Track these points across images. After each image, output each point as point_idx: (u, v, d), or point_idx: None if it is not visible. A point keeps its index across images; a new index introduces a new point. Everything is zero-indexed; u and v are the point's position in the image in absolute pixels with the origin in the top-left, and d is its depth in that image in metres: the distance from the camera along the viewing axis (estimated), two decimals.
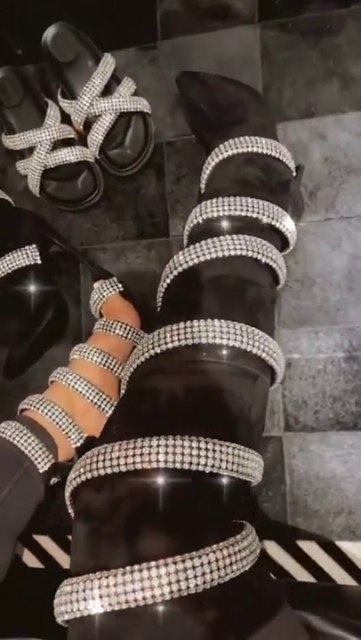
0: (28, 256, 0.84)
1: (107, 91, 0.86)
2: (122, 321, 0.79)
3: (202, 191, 0.77)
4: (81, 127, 0.88)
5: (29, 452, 0.66)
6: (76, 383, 0.73)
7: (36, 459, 0.66)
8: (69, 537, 0.60)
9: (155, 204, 0.89)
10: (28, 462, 0.65)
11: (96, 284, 0.84)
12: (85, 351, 0.77)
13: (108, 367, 0.76)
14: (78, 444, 0.72)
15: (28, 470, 0.65)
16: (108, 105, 0.84)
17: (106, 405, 0.74)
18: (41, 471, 0.66)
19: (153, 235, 0.89)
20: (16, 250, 0.84)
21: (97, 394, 0.74)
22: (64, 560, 0.81)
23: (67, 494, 0.52)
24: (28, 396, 0.74)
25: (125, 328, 0.79)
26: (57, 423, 0.70)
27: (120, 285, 0.83)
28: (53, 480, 0.70)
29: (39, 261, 0.85)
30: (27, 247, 0.84)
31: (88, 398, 0.74)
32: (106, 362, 0.76)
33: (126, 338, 0.79)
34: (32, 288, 0.83)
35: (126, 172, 0.88)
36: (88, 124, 0.87)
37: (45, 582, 0.56)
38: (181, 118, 0.89)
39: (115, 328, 0.79)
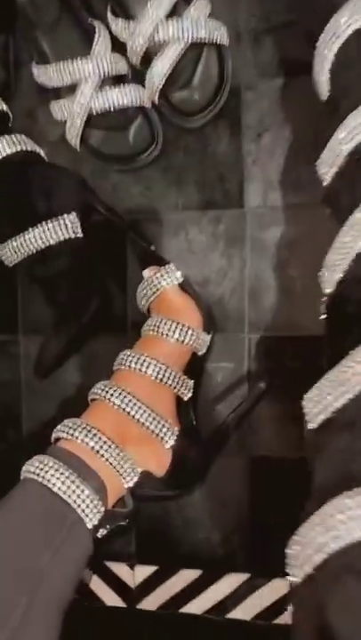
0: (66, 227, 0.65)
1: (174, 12, 0.65)
2: (180, 321, 0.62)
3: None
4: (138, 60, 0.67)
5: (78, 505, 0.49)
6: (128, 405, 0.57)
7: (83, 511, 0.49)
8: None
9: (226, 165, 0.70)
10: (73, 516, 0.49)
11: (147, 273, 0.65)
12: (137, 361, 0.59)
13: (164, 382, 0.59)
14: (131, 483, 0.55)
15: (74, 527, 0.49)
16: (178, 30, 0.64)
17: (165, 434, 0.58)
18: (89, 526, 0.50)
19: (222, 204, 0.70)
20: (51, 219, 0.65)
21: (155, 420, 0.58)
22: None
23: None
24: (65, 421, 0.57)
25: (185, 331, 0.62)
26: (107, 459, 0.53)
27: (179, 275, 0.64)
28: (102, 532, 0.53)
29: (80, 234, 0.66)
30: (65, 216, 0.66)
31: (144, 425, 0.57)
32: (163, 376, 0.59)
33: (184, 343, 0.61)
34: (71, 269, 0.65)
35: (192, 122, 0.68)
36: (147, 57, 0.66)
37: None
38: (267, 53, 0.68)
39: (172, 331, 0.61)
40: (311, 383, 0.50)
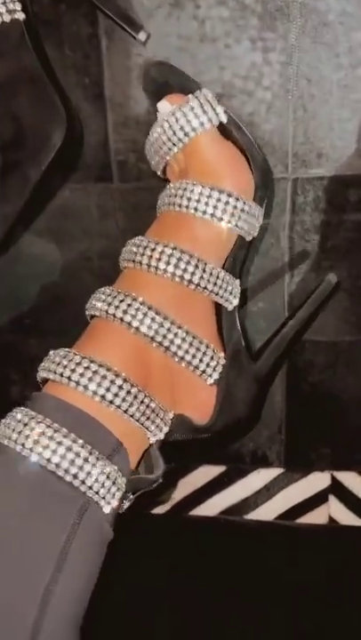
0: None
1: None
2: (219, 187, 0.39)
3: None
4: None
5: (88, 485, 0.33)
6: (150, 327, 0.37)
7: (97, 492, 0.33)
8: None
9: None
10: (81, 501, 0.33)
11: (165, 105, 0.41)
12: (154, 254, 0.38)
13: (197, 284, 0.39)
14: (160, 436, 0.38)
15: (85, 515, 0.33)
16: None
17: (207, 365, 0.40)
18: (106, 510, 0.34)
19: None
20: None
21: (192, 346, 0.39)
22: None
23: None
24: (53, 352, 0.37)
25: (227, 202, 0.39)
26: (125, 410, 0.35)
27: (221, 110, 0.40)
28: (124, 505, 0.37)
29: (22, 15, 0.39)
30: None
31: (176, 354, 0.38)
32: (194, 274, 0.39)
33: (226, 222, 0.40)
34: (13, 83, 0.40)
35: None
36: None
37: None
38: None
39: (205, 203, 0.39)
40: None
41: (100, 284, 0.50)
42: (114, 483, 0.33)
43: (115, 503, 0.33)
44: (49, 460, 0.32)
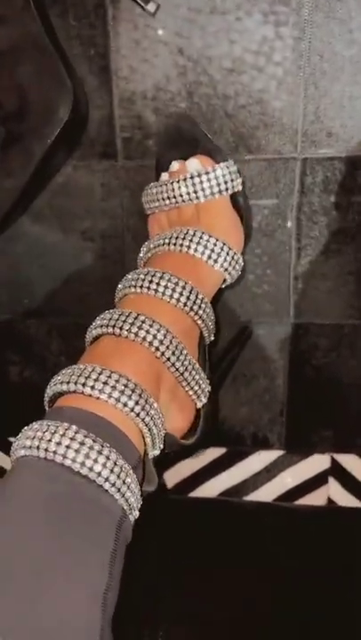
0: None
1: None
2: (226, 242, 0.44)
3: None
4: None
5: (123, 494, 0.31)
6: (168, 348, 0.37)
7: (128, 501, 0.32)
8: None
9: None
10: (121, 509, 0.32)
11: (195, 164, 0.44)
12: (165, 282, 0.39)
13: (197, 314, 0.41)
14: (158, 451, 0.37)
15: (122, 526, 0.31)
16: None
17: (202, 390, 0.41)
18: (132, 518, 0.33)
19: None
20: None
21: (195, 371, 0.40)
22: None
23: None
24: (71, 368, 0.35)
25: (231, 255, 0.44)
26: (146, 424, 0.34)
27: (240, 182, 0.44)
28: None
29: None
30: None
31: (182, 376, 0.39)
32: (198, 306, 0.40)
33: (224, 270, 0.44)
34: (17, 55, 0.38)
35: None
36: None
37: None
38: None
39: (214, 252, 0.43)
40: None
41: (102, 265, 0.49)
42: (141, 494, 0.33)
43: (137, 513, 0.33)
44: (91, 469, 0.30)
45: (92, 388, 0.33)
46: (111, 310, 0.38)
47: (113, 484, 0.30)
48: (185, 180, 0.43)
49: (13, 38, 0.38)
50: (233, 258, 0.43)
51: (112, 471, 0.30)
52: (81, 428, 0.31)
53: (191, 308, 0.40)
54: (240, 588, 0.49)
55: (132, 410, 0.33)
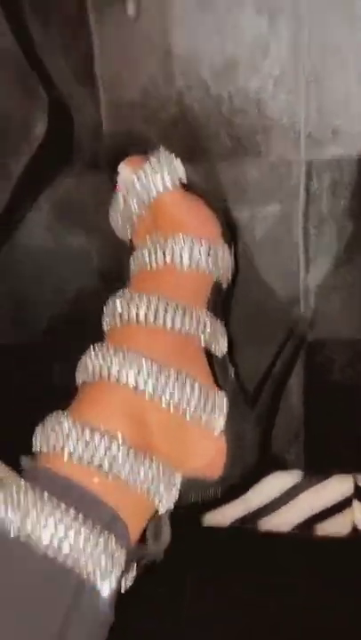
0: None
1: None
2: (189, 234, 0.38)
3: None
4: None
5: (86, 569, 0.29)
6: (147, 382, 0.34)
7: (92, 572, 0.29)
8: None
9: None
10: (76, 581, 0.29)
11: (125, 170, 0.40)
12: (137, 305, 0.36)
13: (186, 329, 0.36)
14: (169, 504, 0.34)
15: (82, 596, 0.29)
16: None
17: (211, 415, 0.36)
18: (104, 590, 0.29)
19: None
20: None
21: (194, 396, 0.35)
22: None
23: None
24: (48, 419, 0.33)
25: (199, 249, 0.38)
26: (126, 481, 0.32)
27: (180, 168, 0.39)
28: (126, 582, 0.33)
29: None
30: None
31: (178, 408, 0.35)
32: (182, 320, 0.36)
33: (200, 267, 0.38)
34: None
35: None
36: None
37: None
38: None
39: (179, 251, 0.38)
40: None
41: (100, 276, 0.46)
42: (111, 559, 0.30)
43: (113, 583, 0.30)
44: (39, 537, 0.28)
45: (62, 449, 0.31)
46: (92, 348, 0.36)
47: (67, 551, 0.28)
48: (119, 191, 0.40)
49: None
50: (202, 251, 0.38)
51: (63, 537, 0.28)
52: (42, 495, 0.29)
53: (181, 328, 0.36)
54: (256, 622, 0.46)
55: (107, 470, 0.31)
